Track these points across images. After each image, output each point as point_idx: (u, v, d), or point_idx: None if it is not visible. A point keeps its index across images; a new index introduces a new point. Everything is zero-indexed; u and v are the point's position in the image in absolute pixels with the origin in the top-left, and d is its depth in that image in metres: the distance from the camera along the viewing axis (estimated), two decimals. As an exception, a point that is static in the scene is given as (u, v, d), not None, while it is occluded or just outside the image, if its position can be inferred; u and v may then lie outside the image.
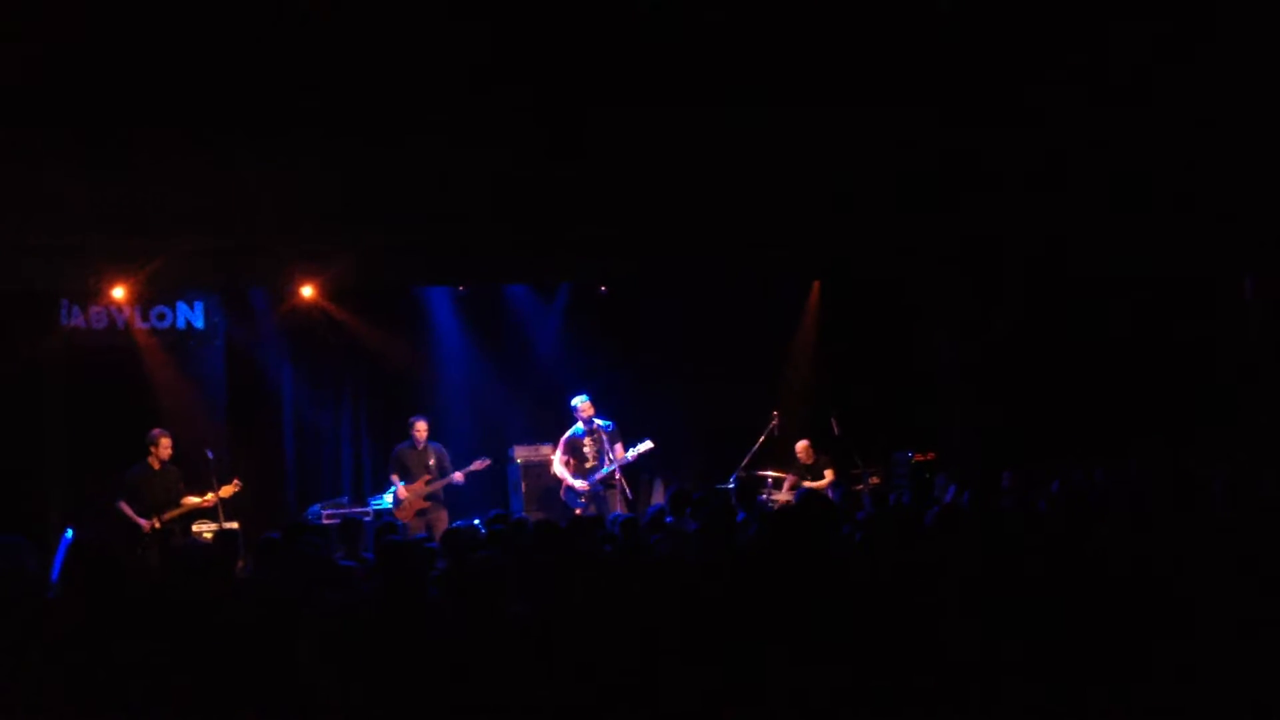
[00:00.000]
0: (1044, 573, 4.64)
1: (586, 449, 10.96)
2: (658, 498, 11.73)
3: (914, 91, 7.70)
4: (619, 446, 10.88)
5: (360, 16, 6.40)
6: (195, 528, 9.92)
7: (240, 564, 8.29)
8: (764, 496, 10.72)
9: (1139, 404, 11.42)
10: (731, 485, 11.04)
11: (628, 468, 10.95)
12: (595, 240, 10.36)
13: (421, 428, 10.83)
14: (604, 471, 10.80)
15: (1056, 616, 4.11)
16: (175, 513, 9.69)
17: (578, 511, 10.49)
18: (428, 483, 10.70)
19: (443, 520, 10.44)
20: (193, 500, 9.78)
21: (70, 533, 9.12)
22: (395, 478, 10.78)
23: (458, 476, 10.70)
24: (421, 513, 10.64)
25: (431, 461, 10.77)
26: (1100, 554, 5.16)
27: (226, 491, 9.78)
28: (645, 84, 7.18)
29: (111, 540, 8.75)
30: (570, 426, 11.11)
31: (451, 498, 11.05)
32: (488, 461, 10.90)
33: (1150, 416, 11.18)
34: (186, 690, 3.44)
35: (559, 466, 11.06)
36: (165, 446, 9.80)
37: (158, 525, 9.58)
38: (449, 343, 12.37)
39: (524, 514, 10.15)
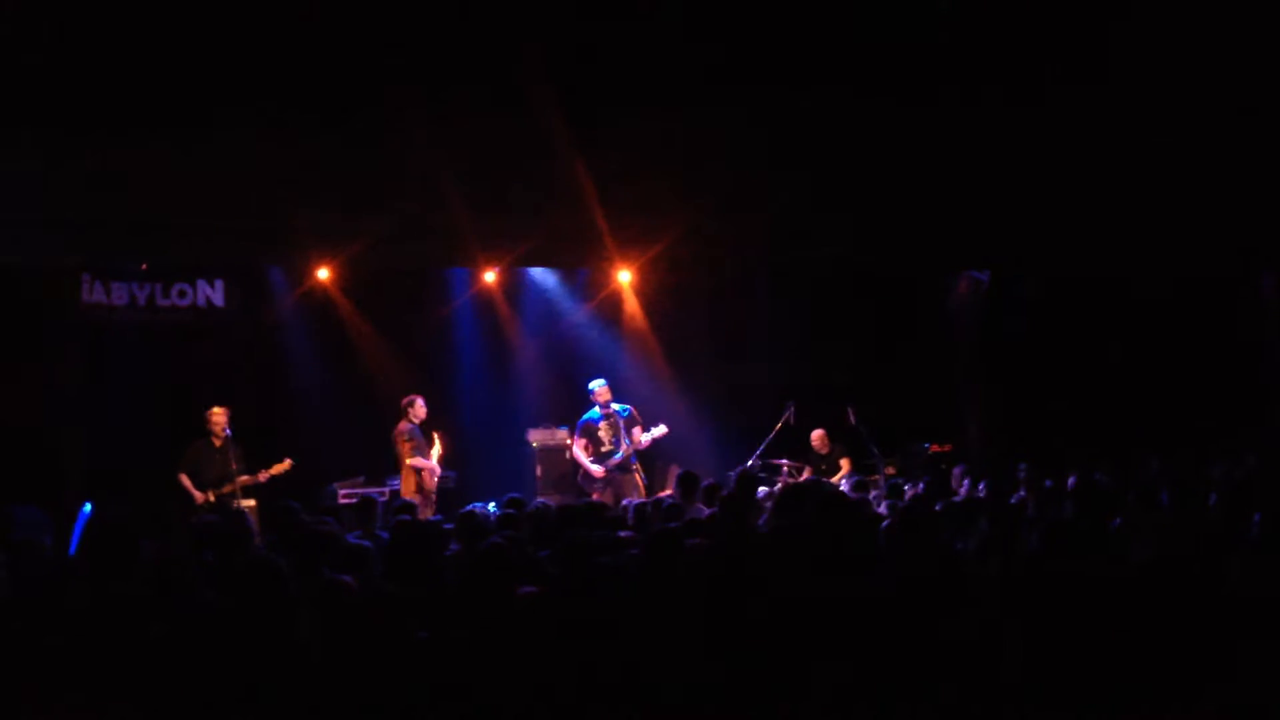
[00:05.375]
0: (1061, 569, 4.62)
1: (602, 433, 10.97)
2: (672, 484, 11.73)
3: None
4: (637, 430, 10.88)
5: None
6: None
7: (256, 541, 8.35)
8: (779, 486, 10.70)
9: (1158, 399, 11.36)
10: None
11: (643, 453, 10.96)
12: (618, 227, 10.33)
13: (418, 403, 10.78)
14: (618, 456, 10.81)
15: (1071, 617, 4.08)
16: (229, 488, 9.76)
17: (594, 496, 10.50)
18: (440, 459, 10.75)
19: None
20: (244, 478, 9.84)
21: (88, 507, 9.20)
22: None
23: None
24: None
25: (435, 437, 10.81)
26: (1117, 551, 5.13)
27: (278, 469, 9.92)
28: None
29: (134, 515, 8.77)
30: (587, 411, 11.12)
31: (471, 480, 11.08)
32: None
33: (1169, 412, 11.12)
34: (191, 665, 3.47)
35: (577, 451, 11.07)
36: (215, 422, 9.86)
37: (211, 499, 9.68)
38: (469, 324, 12.38)
39: (540, 498, 10.16)
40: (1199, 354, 11.56)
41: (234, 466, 9.80)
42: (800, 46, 6.69)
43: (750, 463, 11.15)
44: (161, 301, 11.35)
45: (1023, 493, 8.30)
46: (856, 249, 11.49)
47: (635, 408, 11.08)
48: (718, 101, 7.12)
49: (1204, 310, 11.61)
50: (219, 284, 11.54)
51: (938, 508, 6.80)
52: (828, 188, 9.43)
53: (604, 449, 10.94)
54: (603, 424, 10.97)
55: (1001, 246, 11.09)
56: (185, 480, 9.74)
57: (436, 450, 10.70)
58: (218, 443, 9.87)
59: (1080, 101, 8.09)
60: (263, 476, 9.88)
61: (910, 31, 6.58)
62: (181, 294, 11.43)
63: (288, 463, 10.00)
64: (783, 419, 11.44)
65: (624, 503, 8.49)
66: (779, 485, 10.79)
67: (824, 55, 6.96)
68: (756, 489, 8.53)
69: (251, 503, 9.81)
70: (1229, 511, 5.90)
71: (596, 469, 10.87)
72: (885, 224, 10.46)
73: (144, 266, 10.95)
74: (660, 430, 10.87)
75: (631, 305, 12.47)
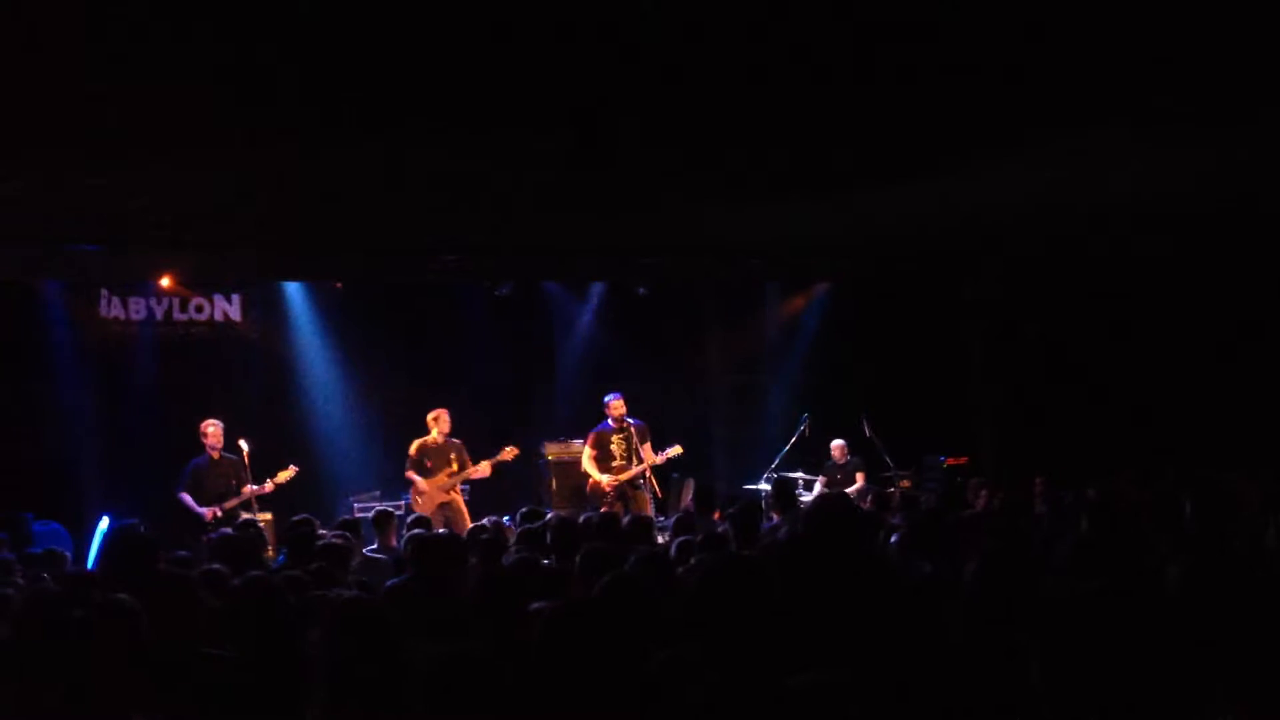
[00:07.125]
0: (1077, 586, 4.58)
1: (614, 446, 10.92)
2: (687, 498, 11.71)
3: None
4: (648, 447, 10.85)
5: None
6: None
7: (270, 553, 8.38)
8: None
9: (1177, 411, 11.29)
10: (764, 486, 11.01)
11: (657, 468, 10.93)
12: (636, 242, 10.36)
13: (442, 417, 10.61)
14: (630, 471, 10.79)
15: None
16: (235, 501, 9.63)
17: (603, 509, 10.47)
18: (450, 476, 10.60)
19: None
20: (251, 488, 9.72)
21: (106, 520, 9.24)
22: (410, 473, 10.58)
23: (484, 469, 10.60)
24: (443, 506, 10.51)
25: (453, 455, 10.66)
26: (1137, 566, 5.10)
27: (283, 477, 9.83)
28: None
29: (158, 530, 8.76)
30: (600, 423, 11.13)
31: (484, 493, 11.09)
32: (515, 450, 10.75)
33: (1189, 425, 11.04)
34: (205, 675, 3.48)
35: (587, 462, 11.05)
36: (207, 434, 9.73)
37: (219, 514, 9.53)
38: (483, 338, 12.41)
39: (555, 511, 10.13)
40: (1223, 364, 11.46)
41: (234, 481, 9.67)
42: (810, 52, 6.66)
43: (766, 475, 11.14)
44: (179, 316, 11.43)
45: (1039, 506, 8.26)
46: (866, 258, 11.52)
47: (647, 423, 11.04)
48: (723, 105, 7.07)
49: (1224, 320, 11.52)
50: (235, 299, 11.60)
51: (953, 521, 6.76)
52: (834, 197, 9.40)
53: (615, 463, 10.90)
54: (615, 437, 10.93)
55: (1009, 255, 11.08)
56: (187, 499, 9.57)
57: (439, 479, 10.51)
58: (215, 455, 9.75)
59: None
60: (269, 486, 9.76)
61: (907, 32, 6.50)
62: (199, 309, 11.50)
63: (293, 470, 9.91)
64: (798, 431, 11.43)
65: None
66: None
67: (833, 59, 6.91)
68: (791, 498, 8.47)
69: (267, 516, 9.80)
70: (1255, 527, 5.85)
71: (606, 479, 10.83)
72: (893, 232, 10.47)
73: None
74: (674, 450, 10.80)
75: (648, 318, 12.50)
